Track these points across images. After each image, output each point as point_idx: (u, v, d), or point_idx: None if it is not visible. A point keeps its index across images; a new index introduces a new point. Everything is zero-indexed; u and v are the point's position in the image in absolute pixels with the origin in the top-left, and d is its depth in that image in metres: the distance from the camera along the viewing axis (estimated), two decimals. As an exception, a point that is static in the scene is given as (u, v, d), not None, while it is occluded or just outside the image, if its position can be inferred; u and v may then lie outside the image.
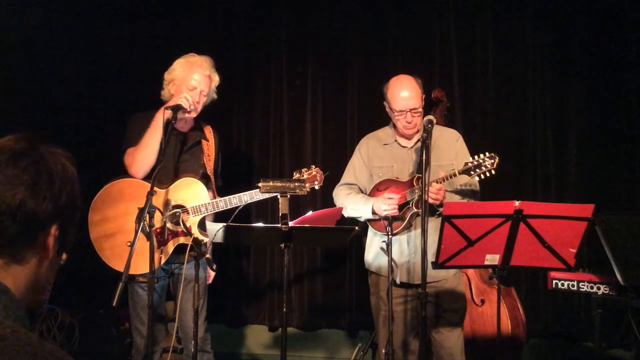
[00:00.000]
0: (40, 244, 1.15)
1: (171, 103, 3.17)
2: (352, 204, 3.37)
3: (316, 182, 3.27)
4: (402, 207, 3.25)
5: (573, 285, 3.30)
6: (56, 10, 4.22)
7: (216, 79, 3.38)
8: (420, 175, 3.06)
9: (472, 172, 3.12)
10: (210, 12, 5.01)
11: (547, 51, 4.61)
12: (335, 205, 3.48)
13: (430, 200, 3.05)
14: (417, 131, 3.35)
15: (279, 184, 2.78)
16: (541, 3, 4.61)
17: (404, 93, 3.26)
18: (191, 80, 3.26)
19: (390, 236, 3.05)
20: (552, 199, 4.42)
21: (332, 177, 3.48)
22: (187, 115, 3.24)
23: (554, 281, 3.36)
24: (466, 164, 3.14)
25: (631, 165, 4.44)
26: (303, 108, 4.94)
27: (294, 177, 3.23)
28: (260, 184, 2.83)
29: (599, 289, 3.23)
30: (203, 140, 3.40)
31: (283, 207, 2.72)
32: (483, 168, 3.11)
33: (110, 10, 4.74)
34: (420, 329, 3.03)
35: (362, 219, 3.37)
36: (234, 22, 5.02)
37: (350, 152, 3.49)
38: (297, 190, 2.75)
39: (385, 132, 3.48)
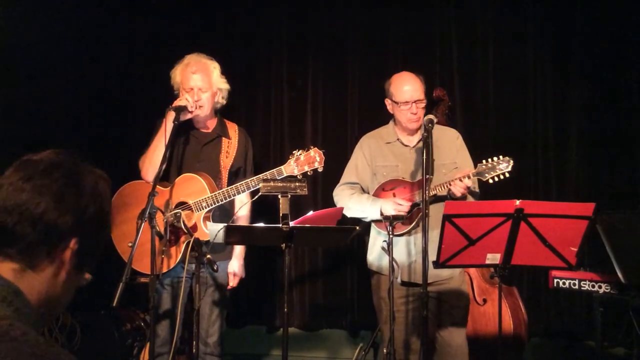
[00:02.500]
0: (57, 255, 1.17)
1: (174, 104, 3.23)
2: (357, 204, 3.35)
3: (316, 163, 3.13)
4: (411, 209, 3.24)
5: (574, 284, 3.30)
6: (58, 10, 4.22)
7: (216, 69, 3.38)
8: (430, 177, 3.09)
9: (485, 175, 3.13)
10: (210, 12, 5.01)
11: (547, 51, 4.61)
12: (338, 204, 3.46)
13: (459, 194, 3.11)
14: (420, 127, 3.35)
15: (279, 184, 2.79)
16: (542, 2, 4.61)
17: (408, 84, 3.30)
18: (187, 83, 3.32)
19: (391, 236, 3.06)
20: (553, 198, 4.42)
21: (333, 166, 3.43)
22: (191, 115, 3.27)
23: (555, 280, 3.36)
24: (479, 166, 3.15)
25: (632, 164, 4.44)
26: (304, 108, 4.94)
27: (290, 159, 3.16)
28: (260, 185, 2.84)
29: (600, 287, 3.23)
30: (224, 138, 3.43)
31: (284, 207, 2.72)
32: (497, 171, 3.12)
33: (110, 9, 4.74)
34: (421, 329, 3.03)
35: (367, 219, 3.36)
36: (234, 21, 5.02)
37: (351, 151, 3.49)
38: (298, 190, 2.75)
39: (387, 131, 3.47)
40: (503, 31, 4.66)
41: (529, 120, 4.63)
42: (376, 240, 3.42)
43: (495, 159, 3.14)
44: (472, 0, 4.72)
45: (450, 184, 3.13)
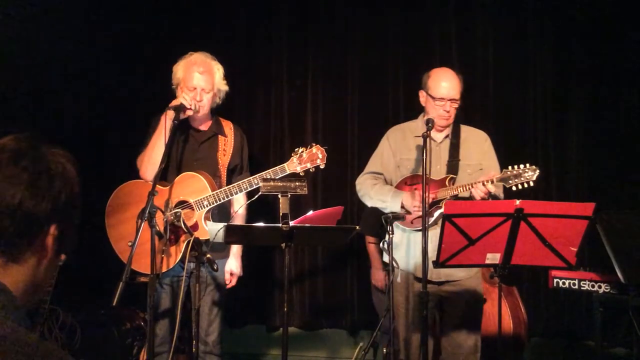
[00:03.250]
0: (39, 244, 1.15)
1: (173, 103, 3.22)
2: (379, 195, 3.36)
3: (318, 160, 3.12)
4: (431, 206, 3.24)
5: (574, 284, 3.30)
6: (57, 10, 4.22)
7: (219, 71, 3.38)
8: (454, 176, 3.09)
9: (510, 181, 3.12)
10: (211, 12, 5.01)
11: (547, 50, 4.61)
12: (360, 192, 3.47)
13: (479, 198, 3.10)
14: (448, 125, 3.35)
15: (279, 184, 2.79)
16: (542, 3, 4.61)
17: (447, 81, 3.31)
18: (190, 81, 3.30)
19: (390, 236, 3.07)
20: (553, 198, 4.42)
21: (333, 166, 3.42)
22: (189, 113, 3.27)
23: (555, 280, 3.36)
24: (505, 172, 3.13)
25: (632, 164, 4.44)
26: (304, 107, 4.94)
27: (292, 157, 3.15)
28: (261, 184, 2.84)
29: (600, 287, 3.23)
30: (220, 136, 3.43)
31: (284, 206, 2.72)
32: (522, 179, 3.10)
33: (111, 9, 4.74)
34: (421, 328, 3.03)
35: (386, 210, 3.35)
36: (234, 21, 5.02)
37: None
38: (298, 190, 2.75)
39: (416, 125, 3.47)
40: (503, 31, 4.65)
41: (529, 120, 4.63)
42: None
43: (521, 166, 3.11)
44: (472, 0, 4.72)
45: (472, 187, 3.13)
